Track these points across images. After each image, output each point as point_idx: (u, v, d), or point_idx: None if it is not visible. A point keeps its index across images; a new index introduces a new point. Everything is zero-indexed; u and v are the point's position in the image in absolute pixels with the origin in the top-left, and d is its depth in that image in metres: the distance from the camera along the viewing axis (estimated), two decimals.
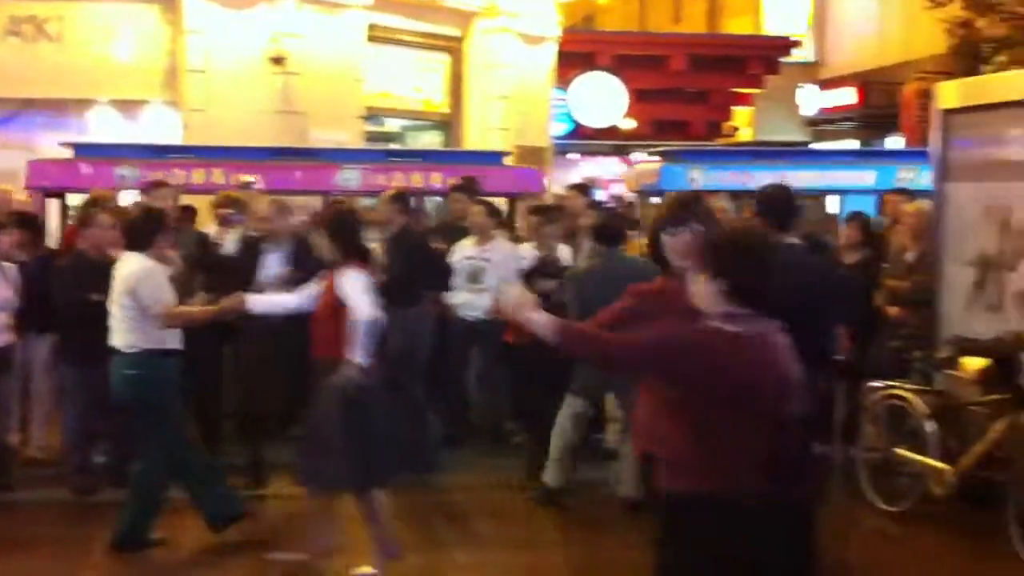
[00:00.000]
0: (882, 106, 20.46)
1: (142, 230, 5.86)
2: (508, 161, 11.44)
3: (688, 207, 4.24)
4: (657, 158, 11.34)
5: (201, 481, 5.96)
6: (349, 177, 9.92)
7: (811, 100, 22.34)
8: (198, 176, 9.79)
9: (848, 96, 21.37)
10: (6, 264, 6.75)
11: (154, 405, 5.74)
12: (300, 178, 10.10)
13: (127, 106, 13.24)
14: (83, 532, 6.12)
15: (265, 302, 5.92)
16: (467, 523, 6.57)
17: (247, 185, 8.86)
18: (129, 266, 5.75)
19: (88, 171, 9.56)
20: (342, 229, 5.42)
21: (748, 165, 10.96)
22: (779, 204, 5.20)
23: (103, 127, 13.01)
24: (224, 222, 7.92)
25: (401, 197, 8.03)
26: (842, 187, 10.93)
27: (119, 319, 5.73)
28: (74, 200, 9.55)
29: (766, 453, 3.16)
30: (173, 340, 5.84)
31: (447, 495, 7.08)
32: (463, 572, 5.75)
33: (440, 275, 7.95)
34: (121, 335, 5.72)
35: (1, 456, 6.86)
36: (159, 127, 13.14)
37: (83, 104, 13.08)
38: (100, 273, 6.18)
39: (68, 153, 10.06)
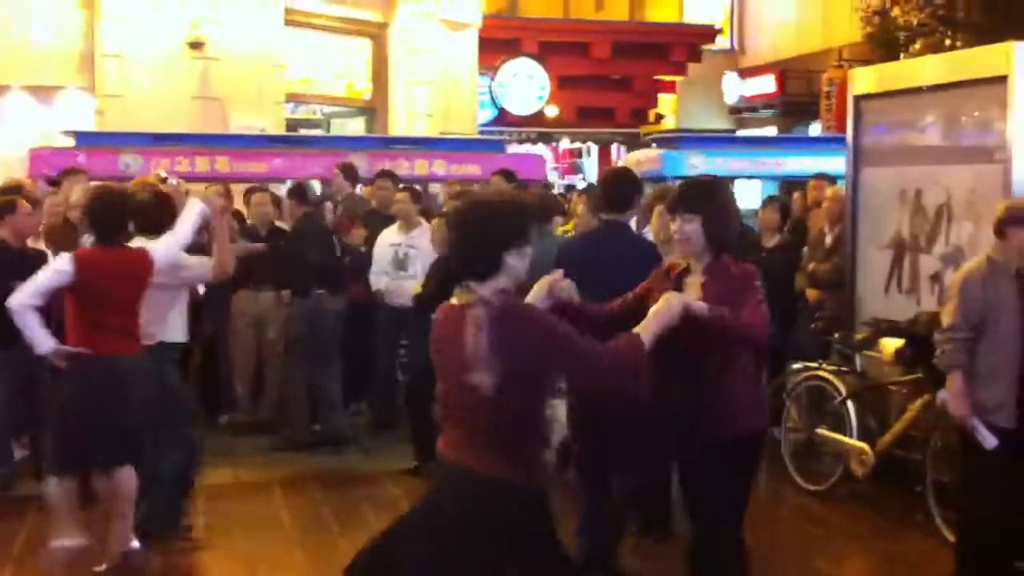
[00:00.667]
0: (800, 94, 20.80)
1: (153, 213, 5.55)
2: None
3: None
4: (580, 145, 11.49)
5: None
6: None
7: (733, 88, 22.62)
8: (202, 164, 9.85)
9: (767, 84, 21.67)
10: None
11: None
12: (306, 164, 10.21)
13: (42, 92, 12.90)
14: (3, 526, 5.98)
15: None
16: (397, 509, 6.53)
17: (164, 179, 8.69)
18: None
19: (90, 159, 9.51)
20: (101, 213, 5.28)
21: (751, 152, 11.39)
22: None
23: (17, 113, 12.67)
24: None
25: (298, 190, 8.12)
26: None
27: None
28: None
29: None
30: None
31: (377, 481, 7.07)
32: None
33: (326, 271, 7.94)
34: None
35: None
36: (74, 113, 12.82)
37: None
38: (21, 262, 6.11)
39: (69, 141, 10.03)
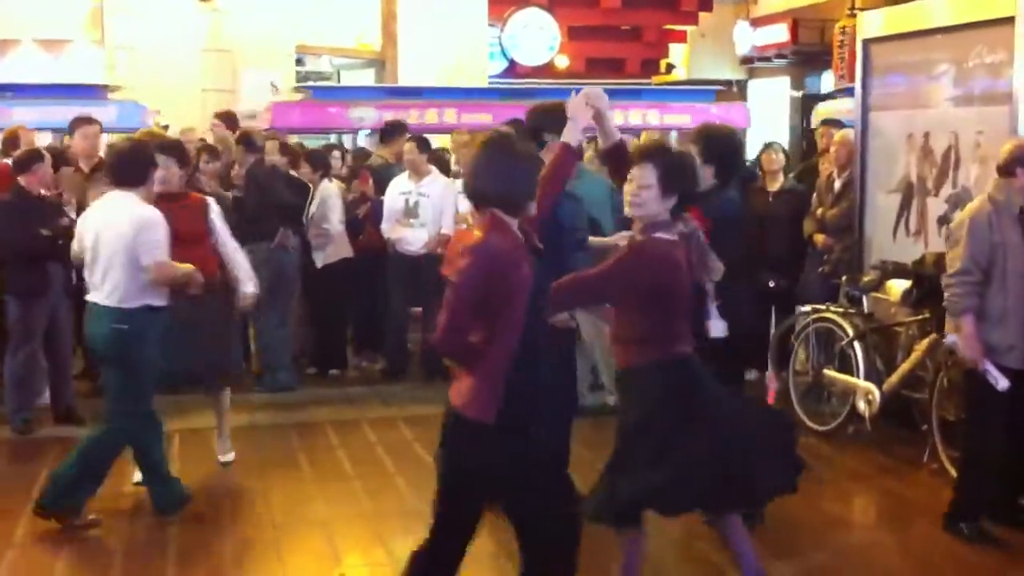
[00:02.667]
0: (813, 43, 20.61)
1: (138, 163, 5.32)
2: None
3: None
4: None
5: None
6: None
7: (744, 38, 22.43)
8: (431, 116, 10.25)
9: (780, 33, 21.45)
10: None
11: (135, 364, 5.27)
12: None
13: (52, 45, 12.93)
14: (27, 468, 6.11)
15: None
16: (409, 452, 6.65)
17: (167, 127, 8.79)
18: (126, 210, 5.22)
19: (324, 112, 10.03)
20: None
21: None
22: None
23: (28, 67, 12.70)
24: None
25: (246, 138, 8.07)
26: None
27: (114, 268, 5.20)
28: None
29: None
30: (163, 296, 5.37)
31: (389, 425, 7.17)
32: (405, 498, 5.83)
33: (290, 209, 7.98)
34: (113, 286, 5.20)
35: None
36: (84, 66, 12.85)
37: (7, 44, 12.74)
38: (42, 209, 6.37)
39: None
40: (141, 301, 5.22)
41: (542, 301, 3.73)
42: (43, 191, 6.81)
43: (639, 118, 10.48)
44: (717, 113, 11.07)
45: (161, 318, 5.34)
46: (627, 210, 4.05)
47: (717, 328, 4.91)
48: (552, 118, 4.66)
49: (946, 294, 5.07)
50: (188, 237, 5.68)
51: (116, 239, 5.17)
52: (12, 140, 7.78)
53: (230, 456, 6.29)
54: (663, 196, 3.96)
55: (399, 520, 5.49)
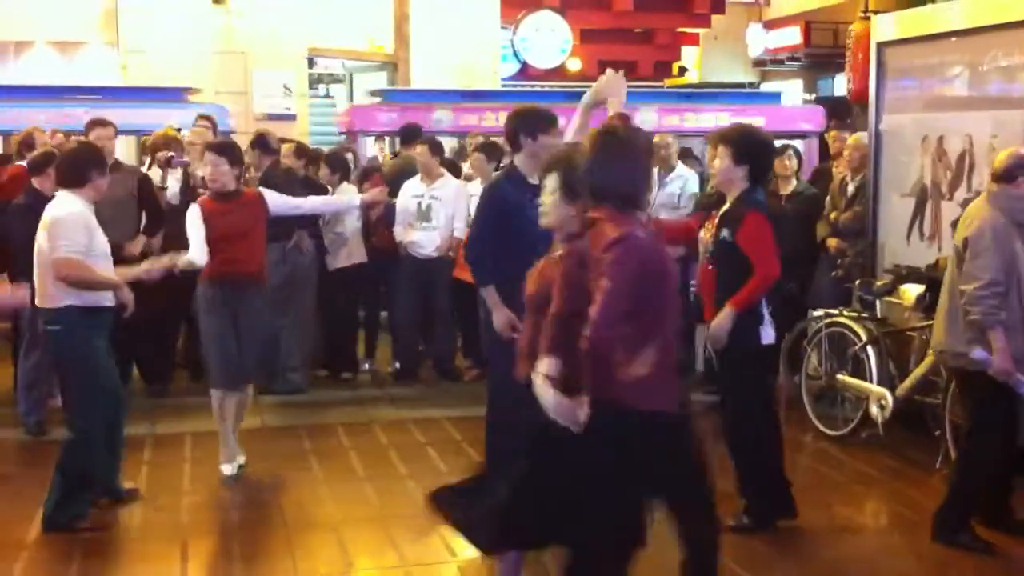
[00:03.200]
0: (826, 46, 20.56)
1: (78, 165, 5.38)
2: None
3: None
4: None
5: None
6: None
7: (757, 40, 22.39)
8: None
9: (792, 36, 21.42)
10: None
11: (79, 367, 5.28)
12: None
13: (65, 47, 12.98)
14: (39, 472, 6.11)
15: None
16: (420, 455, 6.66)
17: (179, 130, 8.77)
18: (56, 207, 5.29)
19: (403, 115, 9.98)
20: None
21: None
22: None
23: (42, 69, 12.74)
24: (165, 164, 7.82)
25: (261, 140, 7.96)
26: None
27: (38, 267, 5.27)
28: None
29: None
30: (103, 296, 5.31)
31: (400, 428, 7.17)
32: (416, 501, 5.83)
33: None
34: (43, 287, 5.23)
35: None
36: (98, 68, 12.89)
37: (21, 46, 12.79)
38: None
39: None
40: (65, 301, 5.18)
41: None
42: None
43: (712, 121, 10.42)
44: (791, 115, 11.20)
45: (104, 319, 5.29)
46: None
47: (768, 335, 4.97)
48: (526, 120, 4.78)
49: (974, 308, 4.86)
50: (238, 234, 5.85)
51: (39, 239, 5.28)
52: (27, 142, 7.80)
53: (240, 460, 6.21)
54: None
55: (411, 523, 5.49)
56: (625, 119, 4.19)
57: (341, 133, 9.63)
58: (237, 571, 4.99)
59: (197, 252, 5.77)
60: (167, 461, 6.43)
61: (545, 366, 3.47)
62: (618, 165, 3.55)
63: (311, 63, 14.72)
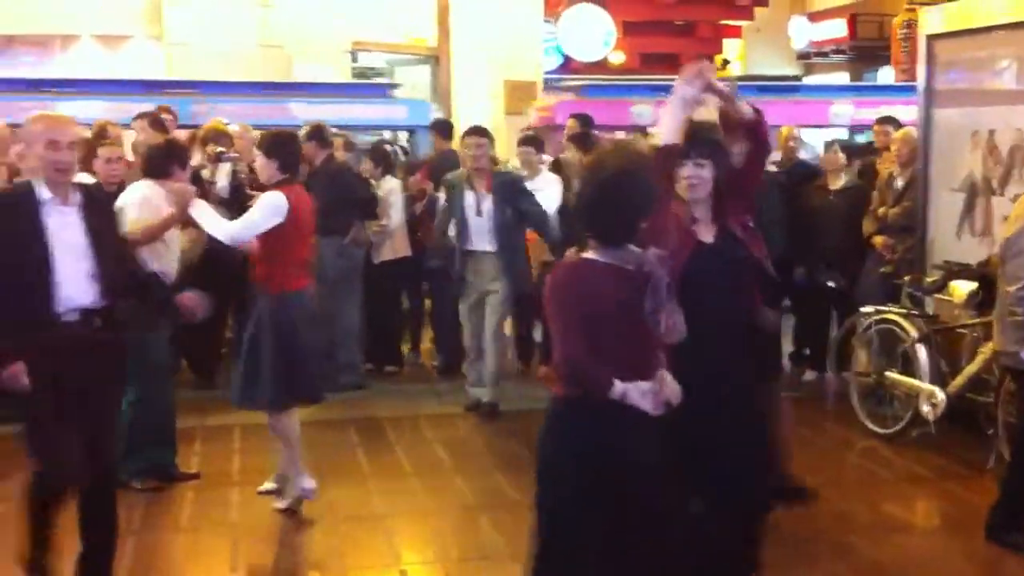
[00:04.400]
0: (872, 38, 20.36)
1: (161, 158, 5.85)
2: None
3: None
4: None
5: None
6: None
7: (801, 33, 22.20)
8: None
9: (837, 28, 21.23)
10: None
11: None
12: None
13: (110, 41, 13.11)
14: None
15: (207, 215, 5.57)
16: (465, 449, 6.67)
17: (228, 123, 8.82)
18: (128, 193, 5.75)
19: (604, 110, 10.08)
20: (278, 149, 5.43)
21: None
22: None
23: (87, 62, 12.89)
24: (215, 159, 7.85)
25: (317, 132, 7.86)
26: None
27: None
28: None
29: None
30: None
31: (446, 422, 7.19)
32: (463, 495, 5.84)
33: (365, 206, 8.01)
34: None
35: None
36: (142, 62, 13.02)
37: (67, 40, 12.94)
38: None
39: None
40: None
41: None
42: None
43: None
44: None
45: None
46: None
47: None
48: None
49: (1018, 309, 4.79)
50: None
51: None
52: (101, 134, 7.83)
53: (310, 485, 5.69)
54: None
55: (458, 517, 5.51)
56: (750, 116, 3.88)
57: (531, 128, 9.52)
58: (285, 563, 5.03)
59: (246, 231, 5.44)
60: (217, 452, 6.49)
61: (615, 392, 3.29)
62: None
63: (354, 58, 14.76)
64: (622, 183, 3.31)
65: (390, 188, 8.32)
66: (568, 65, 20.14)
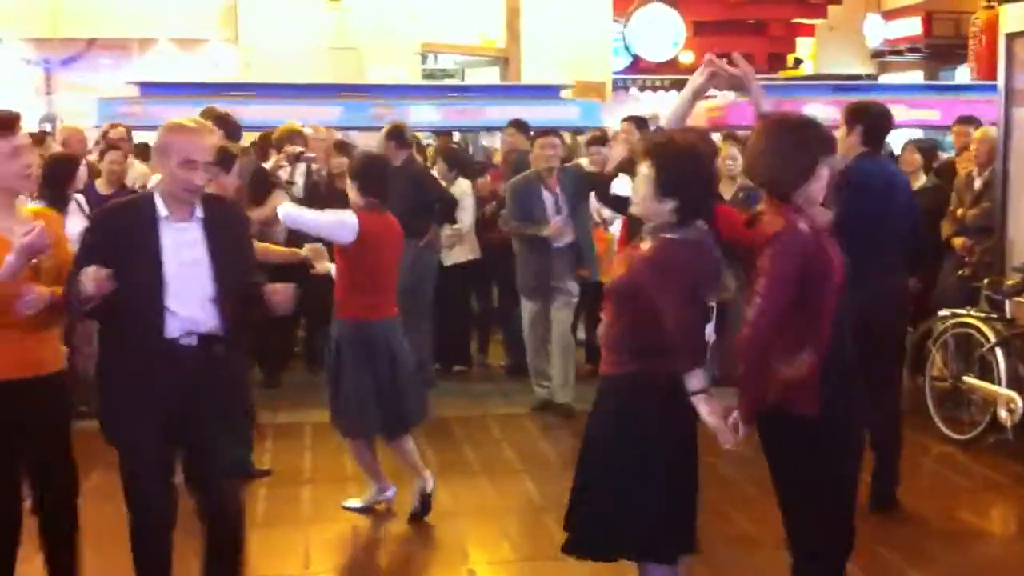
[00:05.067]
0: (948, 36, 19.99)
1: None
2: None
3: None
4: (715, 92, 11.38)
5: None
6: None
7: (875, 31, 21.87)
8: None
9: (912, 26, 20.89)
10: (79, 196, 6.91)
11: None
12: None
13: (187, 44, 13.36)
14: None
15: (295, 213, 5.57)
16: (534, 449, 6.68)
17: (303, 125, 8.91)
18: None
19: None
20: (358, 171, 5.38)
21: None
22: None
23: (164, 65, 13.14)
24: (293, 160, 7.92)
25: (397, 132, 7.77)
26: None
27: None
28: None
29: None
30: None
31: (514, 422, 7.21)
32: (531, 495, 5.85)
33: (445, 208, 7.99)
34: None
35: (83, 385, 7.04)
36: (217, 65, 13.25)
37: (145, 43, 13.21)
38: None
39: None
40: None
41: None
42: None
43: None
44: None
45: None
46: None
47: None
48: None
49: None
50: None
51: None
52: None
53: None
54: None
55: (525, 517, 5.51)
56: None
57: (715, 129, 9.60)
58: (358, 559, 5.08)
59: (299, 218, 5.50)
60: (289, 449, 6.57)
61: (692, 382, 3.36)
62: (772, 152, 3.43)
63: (424, 59, 14.87)
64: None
65: (463, 191, 8.36)
66: (637, 65, 20.09)
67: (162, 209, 3.64)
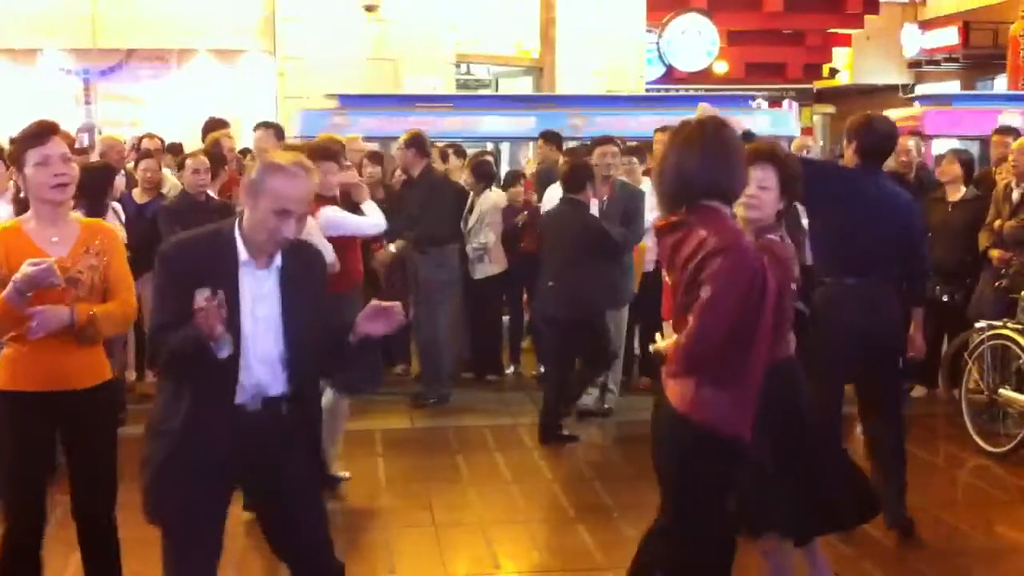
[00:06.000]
0: (985, 47, 19.82)
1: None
2: None
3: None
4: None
5: None
6: None
7: (912, 41, 21.73)
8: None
9: (950, 36, 20.73)
10: (116, 205, 7.00)
11: None
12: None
13: (225, 55, 13.47)
14: None
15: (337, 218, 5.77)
16: (565, 458, 6.67)
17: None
18: None
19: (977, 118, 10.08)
20: None
21: None
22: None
23: (203, 76, 13.26)
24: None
25: (417, 140, 7.76)
26: None
27: None
28: None
29: None
30: None
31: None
32: (561, 504, 5.84)
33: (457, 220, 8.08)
34: None
35: (117, 391, 7.11)
36: (255, 75, 13.35)
37: (183, 54, 13.34)
38: (201, 212, 6.59)
39: None
40: None
41: None
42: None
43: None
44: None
45: None
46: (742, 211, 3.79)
47: None
48: None
49: None
50: (340, 242, 5.74)
51: None
52: (216, 148, 8.05)
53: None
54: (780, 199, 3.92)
55: (556, 526, 5.51)
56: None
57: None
58: (386, 567, 5.09)
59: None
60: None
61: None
62: (711, 159, 3.28)
63: (459, 68, 14.90)
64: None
65: (493, 203, 8.37)
66: (670, 75, 20.06)
67: (243, 252, 3.20)
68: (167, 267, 3.20)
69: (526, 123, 10.12)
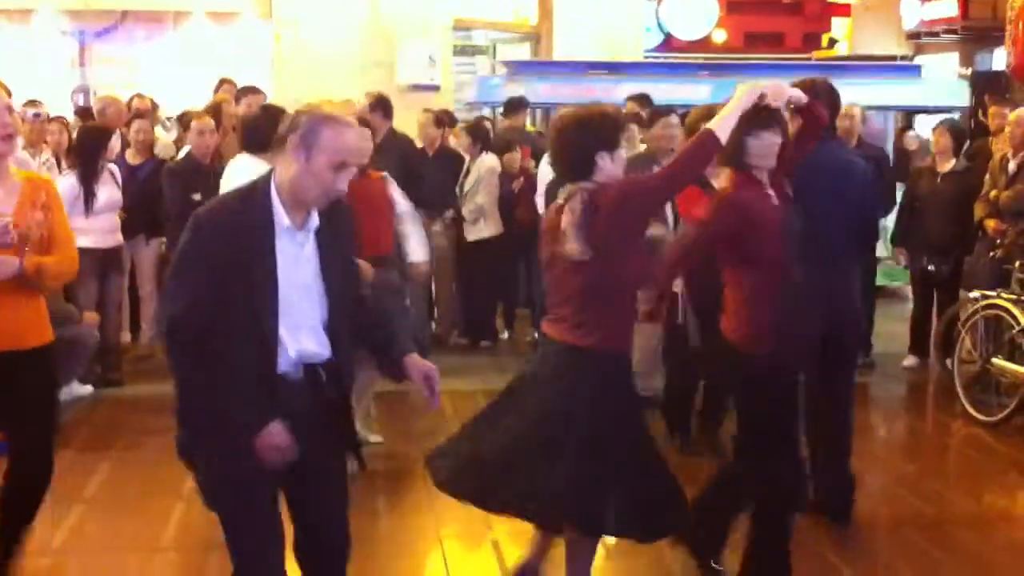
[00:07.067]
0: (984, 19, 19.74)
1: (261, 130, 5.16)
2: None
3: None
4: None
5: None
6: None
7: (912, 12, 21.63)
8: None
9: (949, 8, 20.63)
10: (112, 166, 6.98)
11: None
12: None
13: (221, 17, 13.37)
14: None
15: None
16: None
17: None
18: (234, 167, 5.50)
19: None
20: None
21: None
22: None
23: (199, 39, 13.17)
24: None
25: (381, 103, 7.51)
26: None
27: None
28: None
29: None
30: None
31: None
32: None
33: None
34: None
35: (112, 353, 7.14)
36: (250, 39, 13.25)
37: (179, 16, 13.23)
38: (205, 175, 6.46)
39: None
40: None
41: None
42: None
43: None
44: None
45: None
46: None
47: None
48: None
49: None
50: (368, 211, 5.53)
51: None
52: (217, 111, 7.97)
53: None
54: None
55: None
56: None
57: None
58: (382, 526, 5.12)
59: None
60: None
61: None
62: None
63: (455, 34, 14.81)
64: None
65: (489, 166, 8.35)
66: (669, 43, 19.99)
67: (283, 217, 2.97)
68: (201, 238, 2.95)
69: (701, 91, 9.77)
